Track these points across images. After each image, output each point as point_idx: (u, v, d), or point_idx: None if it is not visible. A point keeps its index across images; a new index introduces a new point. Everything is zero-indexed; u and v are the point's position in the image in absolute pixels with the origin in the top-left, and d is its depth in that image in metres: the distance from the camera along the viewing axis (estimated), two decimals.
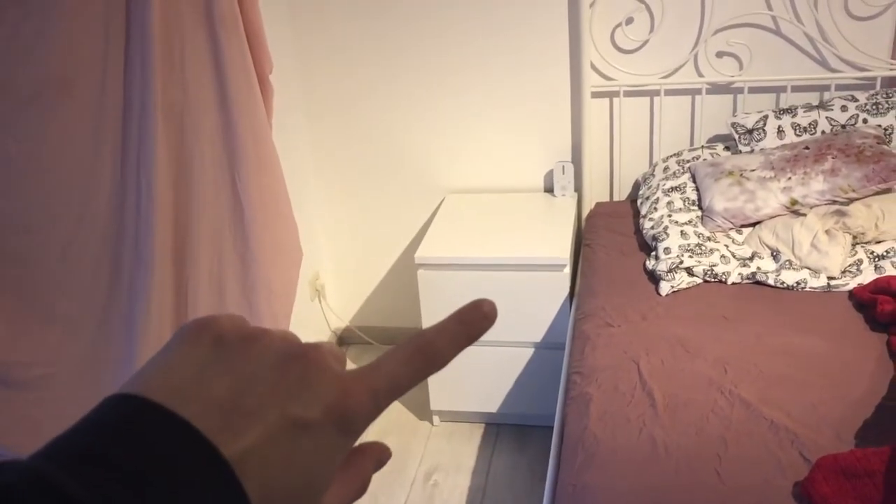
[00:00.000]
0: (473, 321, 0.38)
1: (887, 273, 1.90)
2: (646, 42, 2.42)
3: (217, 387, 0.31)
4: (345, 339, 3.10)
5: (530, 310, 2.31)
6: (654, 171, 2.47)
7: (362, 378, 0.35)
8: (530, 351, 2.37)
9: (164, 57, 1.69)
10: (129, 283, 1.74)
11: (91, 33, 1.58)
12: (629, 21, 2.40)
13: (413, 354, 0.36)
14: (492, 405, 2.48)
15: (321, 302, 2.95)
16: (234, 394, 0.31)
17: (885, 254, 1.96)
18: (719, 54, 2.40)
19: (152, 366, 0.32)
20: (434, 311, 2.38)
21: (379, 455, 0.39)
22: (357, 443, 0.36)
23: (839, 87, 2.35)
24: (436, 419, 2.62)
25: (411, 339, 0.37)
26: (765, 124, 2.30)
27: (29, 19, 1.45)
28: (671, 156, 2.46)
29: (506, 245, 2.34)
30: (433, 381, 2.49)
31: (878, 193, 2.04)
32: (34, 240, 1.58)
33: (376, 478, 0.42)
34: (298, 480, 0.32)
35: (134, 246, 1.72)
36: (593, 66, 2.46)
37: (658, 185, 2.35)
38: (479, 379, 2.45)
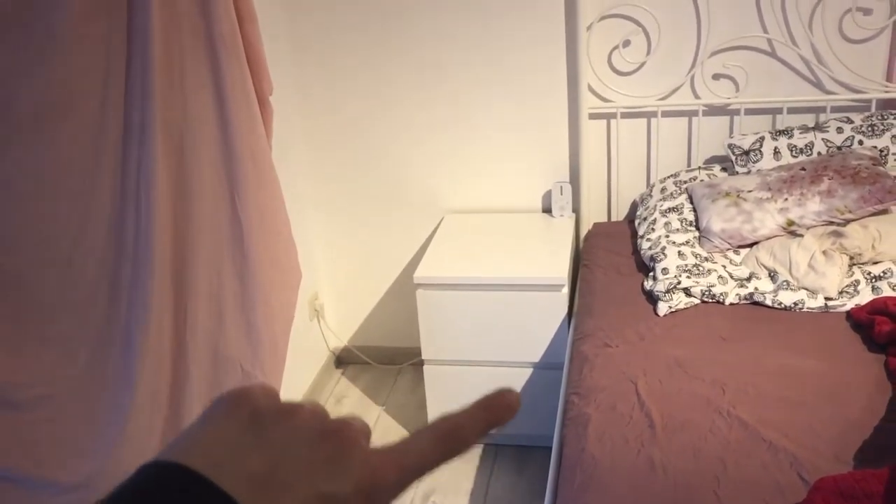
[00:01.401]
0: (498, 411, 0.39)
1: (884, 294, 1.91)
2: (642, 64, 2.44)
3: (254, 460, 0.32)
4: (343, 358, 3.09)
5: (529, 330, 2.31)
6: (651, 191, 2.48)
7: (391, 456, 0.36)
8: (529, 371, 2.37)
9: (165, 77, 1.70)
10: (128, 304, 1.74)
11: (92, 54, 1.60)
12: (626, 44, 2.42)
13: (441, 438, 0.38)
14: None
15: (320, 322, 2.95)
16: (270, 467, 0.32)
17: (882, 274, 1.96)
18: (716, 76, 2.42)
19: (190, 434, 0.33)
20: (433, 331, 2.38)
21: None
22: None
23: (835, 109, 2.37)
24: None
25: (439, 421, 0.38)
26: (761, 145, 2.31)
27: (31, 42, 1.47)
28: (668, 177, 2.47)
29: (504, 265, 2.35)
30: (431, 401, 2.49)
31: (874, 214, 2.05)
32: (32, 260, 1.58)
33: None
34: None
35: (133, 266, 1.73)
36: (591, 88, 2.48)
37: (656, 205, 2.36)
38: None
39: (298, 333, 2.49)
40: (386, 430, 2.70)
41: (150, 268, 1.72)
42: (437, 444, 0.37)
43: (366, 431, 0.37)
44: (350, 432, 0.35)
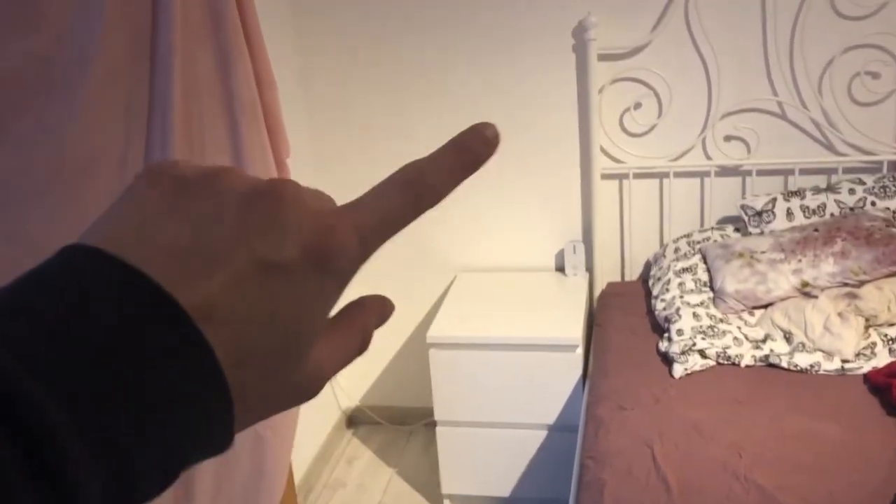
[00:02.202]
0: (473, 147, 0.33)
1: None
2: (654, 126, 2.47)
3: (175, 231, 0.27)
4: (355, 418, 3.07)
5: (543, 391, 2.29)
6: (664, 251, 2.48)
7: (345, 214, 0.31)
8: (543, 433, 2.34)
9: (185, 140, 1.73)
10: None
11: (114, 117, 1.63)
12: (637, 106, 2.46)
13: (407, 184, 0.32)
14: (504, 489, 2.44)
15: (331, 381, 2.93)
16: (194, 236, 0.27)
17: None
18: (727, 138, 2.44)
19: (105, 215, 0.29)
20: (446, 390, 2.37)
21: (381, 308, 0.36)
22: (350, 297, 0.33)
23: (846, 171, 2.38)
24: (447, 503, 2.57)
25: (400, 170, 0.32)
26: (774, 206, 2.32)
27: (54, 107, 1.50)
28: (682, 237, 2.48)
29: (518, 325, 2.34)
30: (444, 463, 2.46)
31: (888, 276, 2.04)
32: None
33: None
34: (276, 333, 0.28)
35: None
36: (603, 150, 2.51)
37: (669, 265, 2.36)
38: (491, 462, 2.41)
39: None
40: (398, 496, 2.66)
41: None
42: (403, 192, 0.32)
43: (317, 193, 0.31)
44: (292, 189, 0.29)
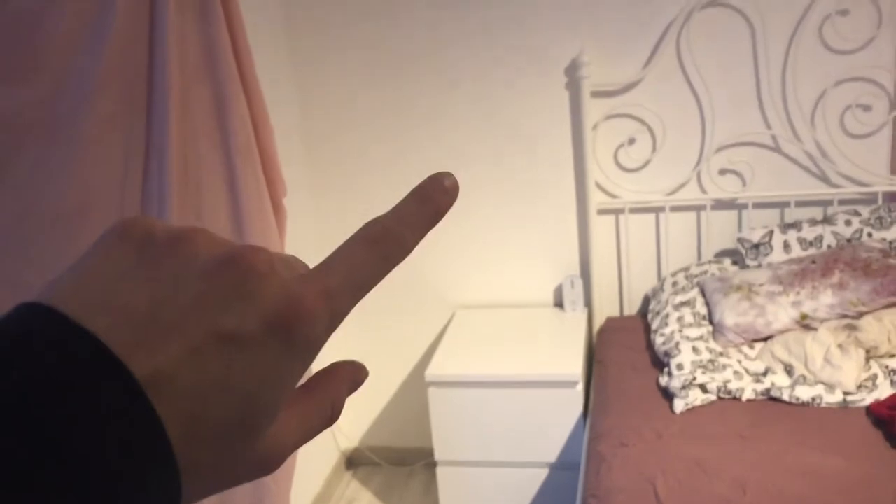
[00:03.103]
0: (434, 197, 0.33)
1: None
2: (648, 161, 2.49)
3: (135, 295, 0.26)
4: (354, 460, 3.04)
5: (544, 428, 2.28)
6: (663, 285, 2.48)
7: (313, 280, 0.29)
8: (544, 472, 2.32)
9: (181, 183, 1.74)
10: None
11: (111, 161, 1.64)
12: (631, 141, 2.47)
13: (370, 245, 0.31)
14: None
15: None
16: (153, 304, 0.26)
17: None
18: (722, 171, 2.46)
19: (67, 272, 0.27)
20: (446, 429, 2.35)
21: (354, 375, 0.34)
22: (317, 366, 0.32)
23: (842, 202, 2.39)
24: None
25: (364, 228, 0.32)
26: (770, 239, 2.32)
27: (52, 151, 1.51)
28: (679, 270, 2.48)
29: (517, 361, 2.33)
30: (445, 503, 2.43)
31: (888, 307, 2.04)
32: None
33: None
34: (232, 407, 0.27)
35: None
36: (598, 185, 2.52)
37: (667, 300, 2.36)
38: (492, 502, 2.38)
39: None
40: None
41: None
42: (370, 251, 0.31)
43: (289, 261, 0.30)
44: (260, 257, 0.28)
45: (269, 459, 0.29)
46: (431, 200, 0.33)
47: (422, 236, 0.33)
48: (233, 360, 0.27)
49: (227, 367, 0.26)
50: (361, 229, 0.32)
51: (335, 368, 0.34)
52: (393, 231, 0.32)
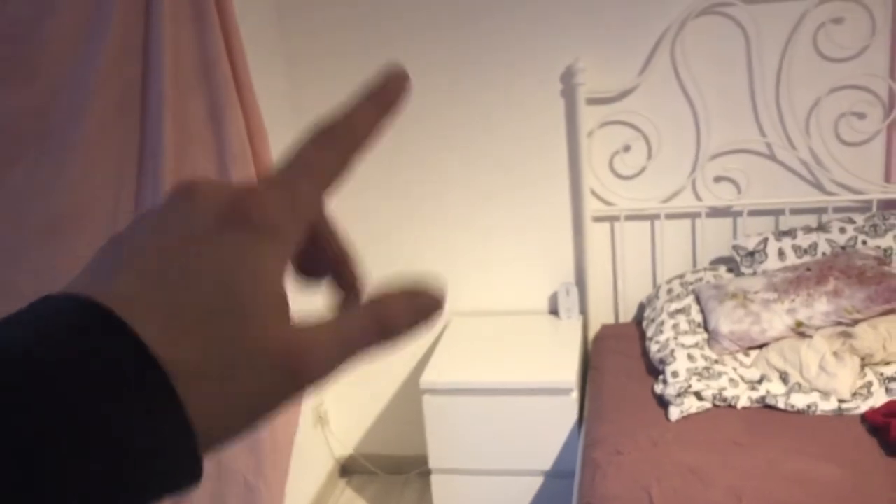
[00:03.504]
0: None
1: None
2: (644, 168, 2.49)
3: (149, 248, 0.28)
4: (348, 467, 3.03)
5: (539, 436, 2.27)
6: (658, 293, 2.48)
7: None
8: (539, 480, 2.31)
9: None
10: None
11: (105, 168, 1.64)
12: (626, 149, 2.47)
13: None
14: None
15: (324, 429, 2.90)
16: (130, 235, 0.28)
17: (895, 375, 1.94)
18: (717, 179, 2.46)
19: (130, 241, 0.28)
20: (440, 437, 2.34)
21: (419, 300, 0.32)
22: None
23: (836, 210, 2.40)
24: None
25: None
26: (765, 246, 2.33)
27: (47, 158, 1.51)
28: (674, 278, 2.48)
29: (512, 369, 2.32)
30: None
31: (882, 314, 2.04)
32: None
33: None
34: (207, 296, 0.27)
35: None
36: (593, 192, 2.52)
37: (663, 307, 2.36)
38: None
39: (302, 442, 2.45)
40: None
41: None
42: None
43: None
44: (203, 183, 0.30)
45: (288, 356, 0.28)
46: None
47: (375, 128, 0.32)
48: (194, 254, 0.27)
49: (191, 261, 0.27)
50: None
51: (397, 289, 0.32)
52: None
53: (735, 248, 2.38)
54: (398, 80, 0.33)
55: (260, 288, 0.27)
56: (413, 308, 0.31)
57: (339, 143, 0.31)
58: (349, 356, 0.29)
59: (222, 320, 0.26)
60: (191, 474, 0.26)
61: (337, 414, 2.97)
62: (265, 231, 0.28)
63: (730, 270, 2.43)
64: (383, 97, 0.32)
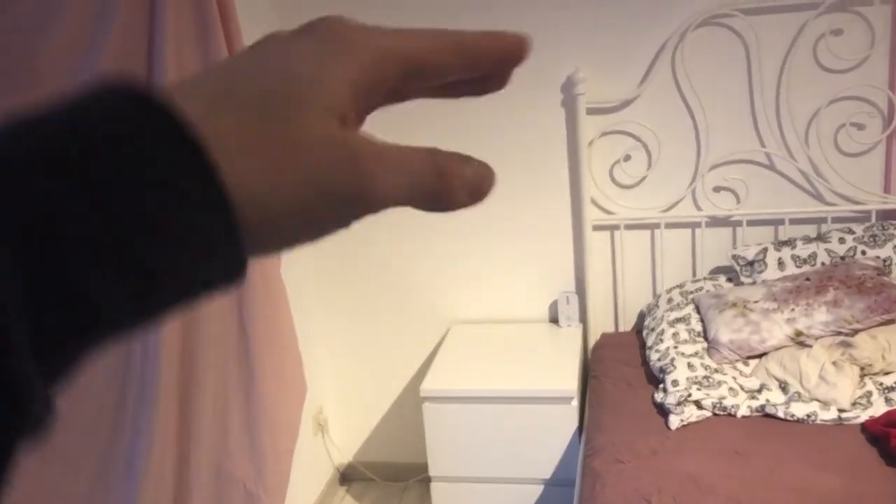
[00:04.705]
0: (513, 46, 0.33)
1: None
2: (644, 178, 2.50)
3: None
4: (348, 475, 3.02)
5: (539, 444, 2.27)
6: (658, 302, 2.49)
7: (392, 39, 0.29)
8: (539, 488, 2.31)
9: None
10: (133, 421, 1.72)
11: None
12: (627, 158, 2.48)
13: (456, 45, 0.30)
14: None
15: (324, 437, 2.90)
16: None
17: (894, 385, 1.94)
18: (716, 188, 2.47)
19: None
20: (440, 445, 2.34)
21: (466, 168, 0.31)
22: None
23: (835, 220, 2.40)
24: None
25: (454, 33, 0.31)
26: (765, 256, 2.33)
27: None
28: (674, 287, 2.49)
29: (512, 377, 2.33)
30: None
31: (882, 324, 2.05)
32: None
33: None
34: (263, 80, 0.26)
35: (140, 384, 1.72)
36: (593, 201, 2.53)
37: (663, 316, 2.36)
38: None
39: (302, 449, 2.45)
40: None
41: (156, 385, 1.71)
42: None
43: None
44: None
45: (353, 148, 0.27)
46: (507, 48, 0.33)
47: (497, 65, 0.33)
48: (263, 49, 0.27)
49: (258, 53, 0.27)
50: (450, 32, 0.31)
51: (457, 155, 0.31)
52: (475, 49, 0.31)
53: (734, 257, 2.39)
54: (520, 43, 0.33)
55: (323, 85, 0.27)
56: (471, 173, 0.30)
57: (443, 34, 0.30)
58: (409, 190, 0.28)
59: (278, 100, 0.26)
60: (233, 259, 0.24)
61: (337, 422, 2.96)
62: (344, 42, 0.28)
63: (729, 280, 2.44)
64: (501, 43, 0.32)
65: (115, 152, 0.22)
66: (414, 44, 0.29)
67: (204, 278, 0.24)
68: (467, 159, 0.30)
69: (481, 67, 0.32)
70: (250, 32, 1.95)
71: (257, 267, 1.93)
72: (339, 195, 0.26)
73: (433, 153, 0.29)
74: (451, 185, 0.29)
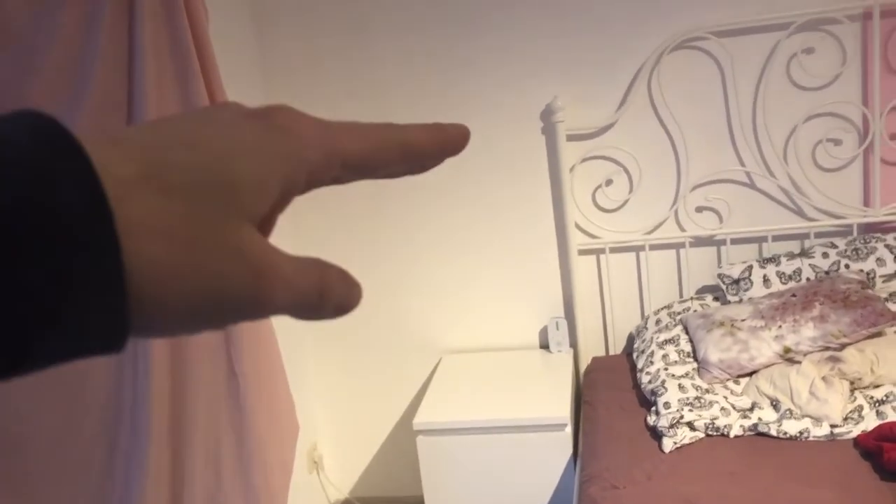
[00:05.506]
0: (452, 137, 0.35)
1: (889, 418, 1.88)
2: (626, 201, 2.51)
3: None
4: None
5: (535, 472, 2.26)
6: (646, 324, 2.49)
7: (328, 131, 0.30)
8: None
9: None
10: (125, 465, 1.71)
11: None
12: (609, 182, 2.50)
13: (385, 128, 0.32)
14: None
15: (319, 474, 2.88)
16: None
17: (885, 398, 1.95)
18: (699, 209, 2.49)
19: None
20: (435, 478, 2.33)
21: (345, 283, 0.31)
22: None
23: (818, 235, 2.42)
24: None
25: (389, 128, 0.32)
26: (750, 274, 2.35)
27: None
28: (662, 308, 2.49)
29: (505, 406, 2.32)
30: None
31: (869, 337, 2.06)
32: (29, 427, 1.56)
33: None
34: (198, 163, 0.26)
35: (130, 429, 1.71)
36: (578, 226, 2.54)
37: (652, 338, 2.37)
38: None
39: (297, 487, 2.43)
40: None
41: (148, 429, 1.70)
42: (381, 129, 0.31)
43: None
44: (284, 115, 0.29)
45: (257, 264, 0.27)
46: (448, 139, 0.35)
47: (432, 159, 0.34)
48: (202, 125, 0.27)
49: (195, 130, 0.26)
50: (386, 127, 0.32)
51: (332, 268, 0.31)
52: (412, 146, 0.32)
53: (720, 276, 2.40)
54: (462, 135, 0.35)
55: (258, 191, 0.27)
56: (346, 293, 0.31)
57: (387, 133, 0.32)
58: (293, 304, 0.29)
59: (209, 200, 0.25)
60: (112, 329, 0.23)
61: (332, 458, 2.94)
62: (286, 132, 0.28)
63: (716, 299, 2.45)
64: (443, 137, 0.34)
65: (19, 203, 0.21)
66: (357, 143, 0.30)
67: (77, 352, 0.24)
68: (346, 278, 0.31)
69: (421, 161, 0.33)
70: (220, 27, 1.96)
71: None
72: (232, 303, 0.26)
73: (320, 272, 0.29)
74: (325, 303, 0.29)
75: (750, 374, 2.13)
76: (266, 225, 0.30)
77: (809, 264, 2.31)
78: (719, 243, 2.51)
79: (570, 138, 2.47)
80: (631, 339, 2.61)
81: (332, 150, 0.29)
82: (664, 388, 2.11)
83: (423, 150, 0.33)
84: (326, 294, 0.29)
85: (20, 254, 0.21)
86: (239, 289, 0.26)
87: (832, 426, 1.92)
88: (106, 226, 0.22)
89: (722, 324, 2.20)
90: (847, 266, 2.28)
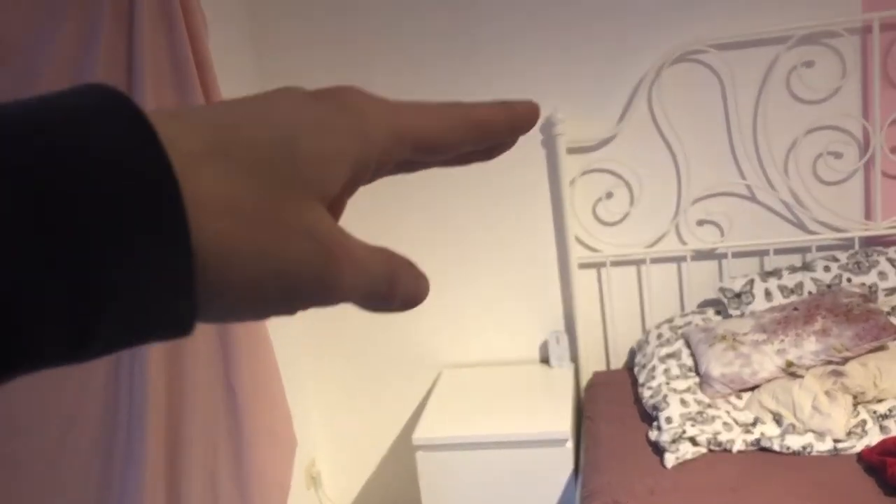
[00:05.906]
0: (523, 113, 0.33)
1: (893, 433, 1.87)
2: (627, 214, 2.51)
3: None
4: None
5: (536, 488, 2.24)
6: (648, 338, 2.48)
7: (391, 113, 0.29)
8: None
9: None
10: (121, 482, 1.69)
11: None
12: (609, 195, 2.50)
13: (469, 123, 0.31)
14: None
15: (317, 490, 2.85)
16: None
17: (888, 412, 1.93)
18: (700, 222, 2.48)
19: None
20: (435, 494, 2.31)
21: (407, 274, 0.30)
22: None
23: (819, 248, 2.41)
24: None
25: (467, 107, 0.31)
26: (752, 287, 2.33)
27: None
28: (663, 322, 2.48)
29: (506, 421, 2.30)
30: None
31: (871, 351, 2.05)
32: (25, 442, 1.55)
33: None
34: (266, 136, 0.25)
35: (126, 444, 1.69)
36: (578, 239, 2.53)
37: (653, 352, 2.36)
38: None
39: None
40: None
41: (143, 445, 1.69)
42: (455, 124, 0.30)
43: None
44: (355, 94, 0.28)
45: (328, 245, 0.26)
46: (518, 116, 0.33)
47: (504, 137, 0.33)
48: (268, 105, 0.26)
49: (261, 108, 0.26)
50: (465, 108, 0.31)
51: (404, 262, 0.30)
52: (486, 125, 0.31)
53: (722, 290, 2.39)
54: (532, 111, 0.34)
55: (327, 168, 0.26)
56: (414, 285, 0.30)
57: (458, 111, 0.31)
58: (362, 292, 0.28)
59: (279, 176, 0.25)
60: (177, 308, 0.23)
61: (330, 474, 2.92)
62: (355, 111, 0.27)
63: (718, 313, 2.43)
64: (513, 113, 0.33)
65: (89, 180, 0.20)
66: (427, 122, 0.29)
67: (143, 335, 0.23)
68: (414, 269, 0.30)
69: (494, 139, 0.32)
70: (216, 31, 1.96)
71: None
72: (300, 285, 0.25)
73: (390, 260, 0.29)
74: (395, 293, 0.29)
75: (752, 389, 2.12)
76: (336, 208, 0.29)
77: (811, 278, 2.30)
78: (720, 257, 2.50)
79: (571, 151, 2.46)
80: (632, 354, 2.60)
81: (403, 129, 0.28)
82: (666, 402, 2.09)
83: (494, 126, 0.32)
84: (395, 284, 0.28)
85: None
86: (308, 270, 0.25)
87: (835, 441, 1.90)
88: (173, 201, 0.22)
89: (724, 338, 2.19)
90: (849, 280, 2.27)
